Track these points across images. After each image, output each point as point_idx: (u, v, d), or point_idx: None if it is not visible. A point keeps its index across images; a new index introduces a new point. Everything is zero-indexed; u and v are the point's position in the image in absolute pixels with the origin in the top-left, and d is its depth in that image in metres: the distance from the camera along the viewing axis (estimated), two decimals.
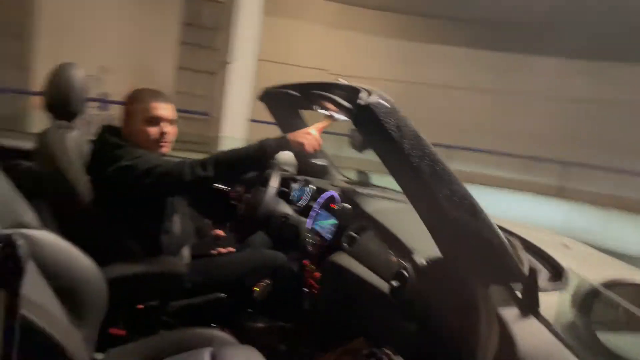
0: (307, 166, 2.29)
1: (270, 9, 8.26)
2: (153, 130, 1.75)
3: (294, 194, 2.16)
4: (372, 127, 1.20)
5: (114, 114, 8.42)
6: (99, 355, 1.46)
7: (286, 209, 1.93)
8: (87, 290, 1.37)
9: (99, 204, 1.65)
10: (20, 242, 0.82)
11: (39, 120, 1.84)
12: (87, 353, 1.35)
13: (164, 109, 1.79)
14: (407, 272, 1.30)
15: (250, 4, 5.60)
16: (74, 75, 1.69)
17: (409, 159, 1.19)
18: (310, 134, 1.67)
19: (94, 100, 7.88)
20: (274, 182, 1.84)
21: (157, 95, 1.81)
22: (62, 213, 1.58)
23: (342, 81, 1.70)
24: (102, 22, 7.74)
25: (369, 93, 1.26)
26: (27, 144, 1.88)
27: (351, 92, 1.30)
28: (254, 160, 1.64)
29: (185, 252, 1.81)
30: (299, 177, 2.25)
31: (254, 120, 6.14)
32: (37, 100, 7.26)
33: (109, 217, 1.64)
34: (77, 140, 1.70)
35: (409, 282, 1.28)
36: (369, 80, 9.64)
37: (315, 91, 1.56)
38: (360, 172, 2.25)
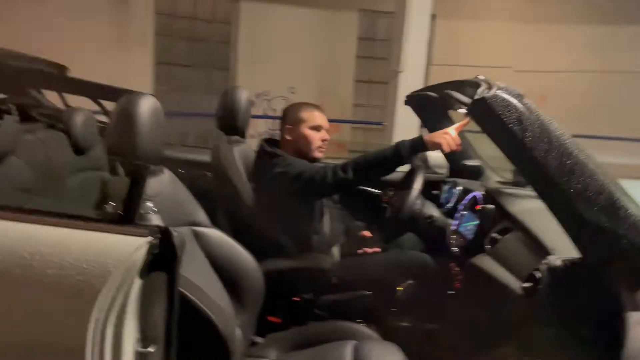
0: (460, 168, 2.27)
1: (447, 12, 8.16)
2: (316, 136, 1.97)
3: (443, 196, 2.16)
4: (489, 120, 1.19)
5: None
6: (259, 339, 1.68)
7: (432, 210, 1.94)
8: (247, 280, 1.61)
9: (259, 206, 1.89)
10: (175, 233, 1.03)
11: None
12: (246, 335, 1.57)
13: (324, 119, 2.01)
14: (541, 273, 1.22)
15: (419, 12, 5.64)
16: (239, 97, 1.98)
17: (532, 153, 1.14)
18: (448, 134, 1.68)
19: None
20: (418, 184, 1.88)
21: (318, 106, 2.04)
22: (229, 214, 1.86)
23: (480, 77, 1.67)
24: (290, 47, 8.56)
25: (490, 86, 1.24)
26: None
27: (473, 87, 1.29)
28: (389, 162, 1.72)
29: (335, 250, 1.97)
30: (448, 179, 2.24)
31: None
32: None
33: (267, 218, 1.88)
34: (243, 152, 1.99)
35: (542, 283, 1.21)
36: (557, 73, 8.78)
37: (446, 90, 1.57)
38: (517, 172, 2.13)
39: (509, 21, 10.42)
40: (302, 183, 1.79)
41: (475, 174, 2.23)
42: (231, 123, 1.98)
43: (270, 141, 2.04)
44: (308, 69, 8.80)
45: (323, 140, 2.00)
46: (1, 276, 0.91)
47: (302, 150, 1.98)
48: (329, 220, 2.00)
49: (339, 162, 1.80)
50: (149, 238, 0.98)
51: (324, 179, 1.75)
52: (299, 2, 8.52)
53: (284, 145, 2.01)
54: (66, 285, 0.92)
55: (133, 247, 0.96)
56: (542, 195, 1.18)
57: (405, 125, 5.78)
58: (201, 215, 1.67)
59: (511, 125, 1.15)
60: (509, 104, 1.17)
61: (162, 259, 1.01)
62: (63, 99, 2.38)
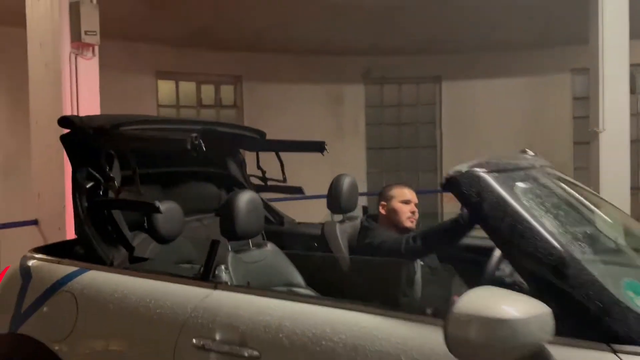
0: None
1: None
2: (405, 209, 2.34)
3: None
4: (458, 195, 1.43)
5: None
6: None
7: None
8: None
9: (354, 272, 2.30)
10: None
11: None
12: None
13: (412, 194, 2.39)
14: None
15: (616, 65, 5.29)
16: (343, 183, 2.47)
17: (488, 221, 1.36)
18: None
19: None
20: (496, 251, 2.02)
21: (407, 184, 2.43)
22: (328, 279, 2.30)
23: (529, 152, 1.88)
24: (495, 118, 8.65)
25: (468, 166, 1.49)
26: None
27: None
28: (450, 231, 1.97)
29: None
30: None
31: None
32: (447, 197, 8.61)
33: (359, 283, 2.26)
34: (347, 227, 2.44)
35: None
36: None
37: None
38: None
39: None
40: (383, 252, 2.14)
41: None
42: (336, 204, 2.47)
43: (370, 216, 2.46)
44: (519, 137, 8.67)
45: (412, 212, 2.33)
46: None
47: (394, 221, 2.35)
48: (420, 283, 2.26)
49: None
50: None
51: (399, 249, 2.08)
52: (498, 74, 8.66)
53: (381, 219, 2.41)
54: None
55: None
56: (504, 253, 1.35)
57: (613, 188, 5.29)
58: (298, 277, 2.18)
59: (472, 199, 1.39)
60: (472, 181, 1.41)
61: None
62: (258, 159, 2.95)
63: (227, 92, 8.67)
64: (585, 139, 8.32)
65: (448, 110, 9.04)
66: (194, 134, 1.80)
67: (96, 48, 3.79)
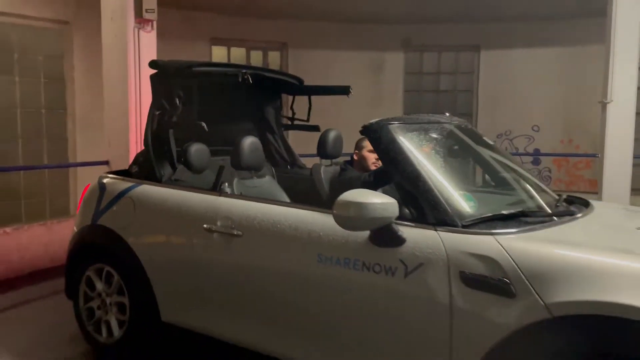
0: None
1: None
2: (372, 156, 3.15)
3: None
4: (370, 139, 2.25)
5: (545, 167, 9.35)
6: None
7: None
8: None
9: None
10: None
11: None
12: None
13: None
14: None
15: (625, 47, 5.65)
16: (330, 135, 3.26)
17: (384, 155, 2.18)
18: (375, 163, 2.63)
19: (526, 154, 9.23)
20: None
21: None
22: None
23: (447, 114, 2.67)
24: (530, 88, 9.05)
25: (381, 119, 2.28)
26: None
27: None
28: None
29: None
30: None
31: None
32: None
33: None
34: (330, 170, 3.25)
35: None
36: None
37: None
38: None
39: None
40: (349, 185, 2.96)
41: None
42: (324, 152, 3.27)
43: (347, 162, 3.27)
44: (552, 107, 9.03)
45: (376, 159, 3.10)
46: None
47: (363, 165, 3.15)
48: None
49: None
50: None
51: (359, 181, 2.90)
52: (536, 44, 8.97)
53: (354, 164, 3.22)
54: None
55: None
56: (389, 173, 2.16)
57: (617, 157, 5.73)
58: (284, 198, 3.03)
59: (378, 141, 2.20)
60: (377, 129, 2.21)
61: None
62: (293, 101, 3.69)
63: (274, 58, 9.55)
64: None
65: (485, 78, 9.46)
66: (244, 71, 2.62)
67: (154, 23, 4.74)
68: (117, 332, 2.89)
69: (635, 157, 5.85)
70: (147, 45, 4.69)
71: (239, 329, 2.45)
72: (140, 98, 4.65)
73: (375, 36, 9.36)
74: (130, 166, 3.12)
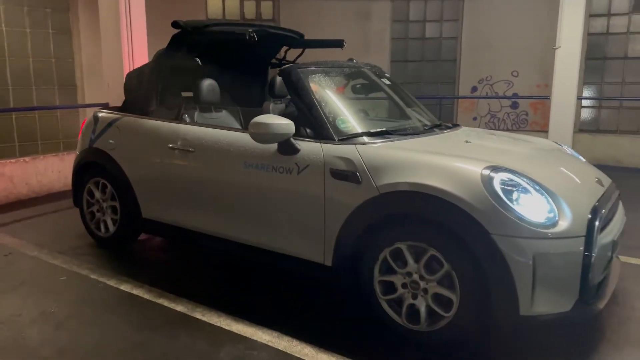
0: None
1: None
2: None
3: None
4: (284, 81, 3.09)
5: (522, 111, 10.00)
6: None
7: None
8: None
9: None
10: None
11: None
12: None
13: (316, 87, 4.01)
14: None
15: None
16: (277, 79, 4.07)
17: (293, 92, 3.02)
18: None
19: (504, 97, 9.89)
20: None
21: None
22: None
23: (354, 60, 3.50)
24: (511, 35, 9.61)
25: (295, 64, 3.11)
26: None
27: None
28: None
29: None
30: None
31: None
32: (462, 107, 9.83)
33: None
34: (278, 106, 4.08)
35: None
36: None
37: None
38: None
39: None
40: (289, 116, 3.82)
41: None
42: (272, 93, 4.09)
43: (290, 100, 4.11)
44: (531, 53, 9.60)
45: None
46: None
47: None
48: None
49: None
50: None
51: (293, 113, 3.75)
52: None
53: None
54: None
55: None
56: (294, 104, 3.00)
57: (564, 100, 6.46)
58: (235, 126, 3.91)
59: (290, 82, 3.03)
60: (290, 72, 3.04)
61: None
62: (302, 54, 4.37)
63: (267, 8, 10.20)
64: (598, 55, 9.15)
65: (469, 26, 10.01)
66: (251, 30, 3.40)
67: None
68: (112, 228, 3.91)
69: (581, 98, 6.53)
70: (136, 1, 5.49)
71: (195, 218, 3.40)
72: (132, 46, 5.50)
73: None
74: (124, 103, 4.04)
